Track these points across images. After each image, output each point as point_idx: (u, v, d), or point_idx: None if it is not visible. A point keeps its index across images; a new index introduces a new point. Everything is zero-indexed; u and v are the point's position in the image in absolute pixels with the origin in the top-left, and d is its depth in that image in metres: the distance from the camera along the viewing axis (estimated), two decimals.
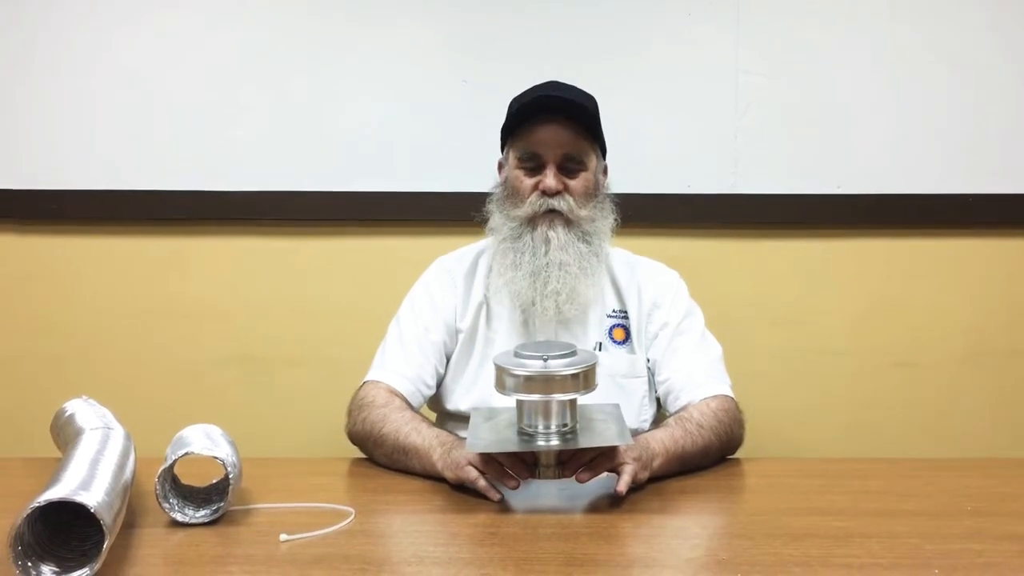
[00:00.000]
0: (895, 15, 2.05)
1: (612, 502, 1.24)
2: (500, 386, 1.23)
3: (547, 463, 1.25)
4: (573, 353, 1.23)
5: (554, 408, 1.22)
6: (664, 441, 1.36)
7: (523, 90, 1.60)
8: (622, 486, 1.23)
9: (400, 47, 2.07)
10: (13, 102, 2.09)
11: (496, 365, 1.24)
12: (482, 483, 1.25)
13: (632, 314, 1.63)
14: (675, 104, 2.07)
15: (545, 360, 1.20)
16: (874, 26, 2.06)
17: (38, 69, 2.09)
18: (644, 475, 1.29)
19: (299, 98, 2.08)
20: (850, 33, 2.06)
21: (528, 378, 1.20)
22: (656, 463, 1.32)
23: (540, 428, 1.22)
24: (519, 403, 1.24)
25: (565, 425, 1.23)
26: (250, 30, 2.08)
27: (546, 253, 1.54)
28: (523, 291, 1.55)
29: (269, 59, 2.08)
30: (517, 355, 1.22)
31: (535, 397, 1.21)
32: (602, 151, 1.65)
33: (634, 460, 1.26)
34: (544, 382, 1.19)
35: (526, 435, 1.23)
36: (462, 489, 1.28)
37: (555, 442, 1.22)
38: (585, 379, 1.21)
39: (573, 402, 1.24)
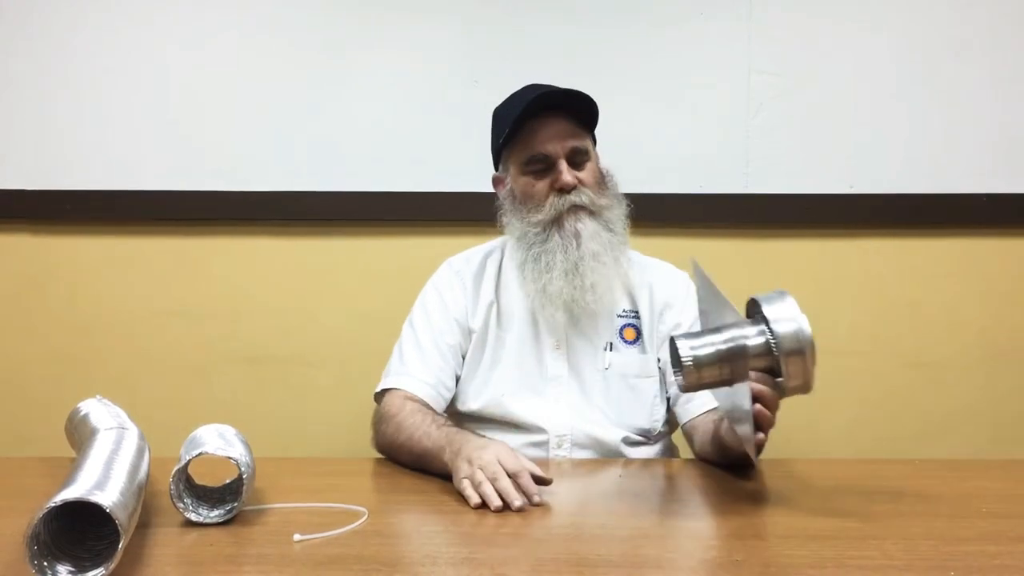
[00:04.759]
0: (908, 13, 2.05)
1: (624, 503, 1.23)
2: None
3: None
4: None
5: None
6: None
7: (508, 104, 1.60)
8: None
9: (412, 48, 2.07)
10: (25, 104, 2.11)
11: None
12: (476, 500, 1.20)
13: (643, 314, 1.63)
14: (687, 104, 2.07)
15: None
16: (887, 24, 2.05)
17: (49, 70, 2.10)
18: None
19: (313, 99, 2.08)
20: (862, 32, 2.06)
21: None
22: None
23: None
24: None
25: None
26: (262, 31, 2.09)
27: (578, 247, 1.54)
28: (563, 290, 1.54)
29: (281, 60, 2.08)
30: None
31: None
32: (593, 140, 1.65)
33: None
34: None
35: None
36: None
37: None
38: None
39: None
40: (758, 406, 1.17)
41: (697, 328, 1.58)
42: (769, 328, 1.16)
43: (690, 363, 1.16)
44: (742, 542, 1.12)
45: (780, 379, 1.18)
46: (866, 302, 2.10)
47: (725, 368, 1.17)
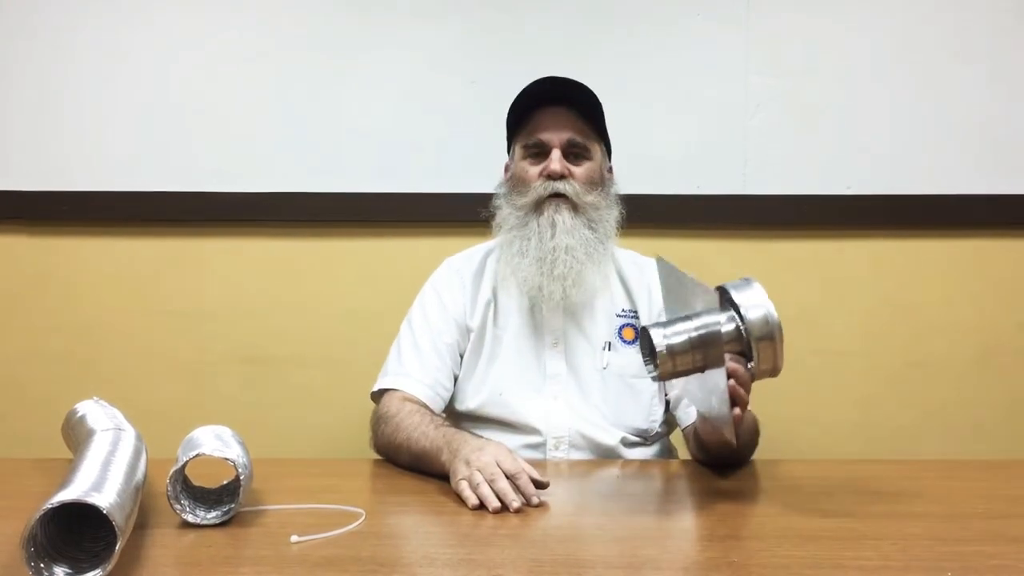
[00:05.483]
0: (906, 14, 2.05)
1: (622, 504, 1.23)
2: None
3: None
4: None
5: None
6: None
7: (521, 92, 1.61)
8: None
9: (410, 49, 2.07)
10: (22, 104, 2.11)
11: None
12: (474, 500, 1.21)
13: (643, 314, 1.63)
14: (685, 105, 2.07)
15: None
16: (885, 25, 2.05)
17: (47, 71, 2.10)
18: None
19: (310, 100, 2.08)
20: (860, 32, 2.06)
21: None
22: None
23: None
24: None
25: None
26: (259, 32, 2.09)
27: (552, 237, 1.54)
28: (530, 276, 1.55)
29: (279, 61, 2.08)
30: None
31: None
32: (608, 151, 1.65)
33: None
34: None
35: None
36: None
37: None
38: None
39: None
40: (732, 382, 1.19)
41: None
42: (739, 314, 1.18)
43: (664, 351, 1.18)
44: (739, 543, 1.12)
45: (751, 363, 1.20)
46: (864, 302, 2.10)
47: (698, 355, 1.18)
